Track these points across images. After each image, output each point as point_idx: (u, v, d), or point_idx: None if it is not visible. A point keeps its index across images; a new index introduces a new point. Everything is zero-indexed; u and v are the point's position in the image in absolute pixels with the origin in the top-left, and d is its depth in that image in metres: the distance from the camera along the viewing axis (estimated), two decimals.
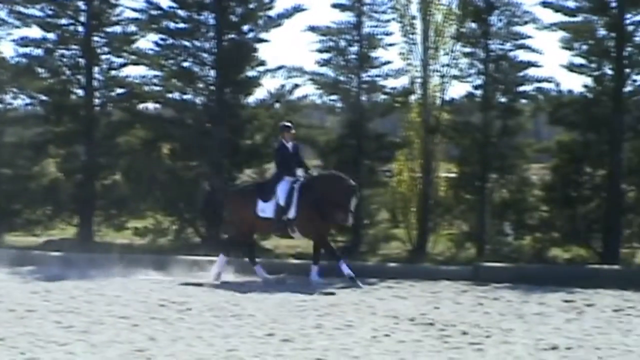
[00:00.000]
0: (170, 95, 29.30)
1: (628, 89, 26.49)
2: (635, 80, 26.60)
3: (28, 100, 29.95)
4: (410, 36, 27.02)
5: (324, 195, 20.53)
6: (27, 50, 29.21)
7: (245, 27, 29.56)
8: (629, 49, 26.36)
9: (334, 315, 18.21)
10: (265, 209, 20.88)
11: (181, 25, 28.40)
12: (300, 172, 20.80)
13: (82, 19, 29.24)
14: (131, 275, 23.13)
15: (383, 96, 28.61)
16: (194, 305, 17.77)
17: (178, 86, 28.77)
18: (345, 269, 20.19)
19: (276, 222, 20.79)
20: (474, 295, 20.95)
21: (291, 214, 20.66)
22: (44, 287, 21.14)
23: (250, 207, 21.06)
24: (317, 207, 20.50)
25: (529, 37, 27.74)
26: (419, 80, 27.32)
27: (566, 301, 19.71)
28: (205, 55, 28.50)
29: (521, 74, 27.82)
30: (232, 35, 29.71)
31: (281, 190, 20.63)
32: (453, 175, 28.52)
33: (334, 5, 28.21)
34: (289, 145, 20.86)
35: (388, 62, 28.41)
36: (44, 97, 29.25)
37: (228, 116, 28.95)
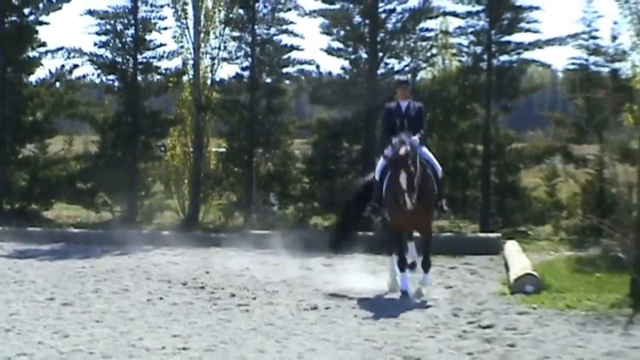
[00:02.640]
0: None
1: (381, 71, 27.80)
2: (387, 64, 28.00)
3: None
4: (183, 21, 27.93)
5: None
6: None
7: (27, 10, 29.69)
8: (382, 34, 27.89)
9: (112, 280, 18.62)
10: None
11: None
12: (407, 136, 15.10)
13: None
14: None
15: (158, 76, 29.43)
16: None
17: None
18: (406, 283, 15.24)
19: (373, 204, 15.95)
20: (241, 261, 21.55)
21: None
22: None
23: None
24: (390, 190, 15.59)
25: (292, 22, 29.24)
26: (190, 61, 28.36)
27: (325, 265, 20.44)
28: None
29: (285, 56, 28.78)
30: (14, 18, 29.97)
31: (379, 163, 15.99)
32: (223, 150, 29.49)
33: None
34: (403, 104, 15.65)
35: (162, 45, 29.35)
36: None
37: (10, 94, 28.98)
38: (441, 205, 15.67)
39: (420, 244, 15.94)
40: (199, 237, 25.53)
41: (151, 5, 29.07)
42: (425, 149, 15.55)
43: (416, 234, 16.59)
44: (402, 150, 14.53)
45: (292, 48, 29.61)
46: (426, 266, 15.30)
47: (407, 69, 28.64)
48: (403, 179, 14.23)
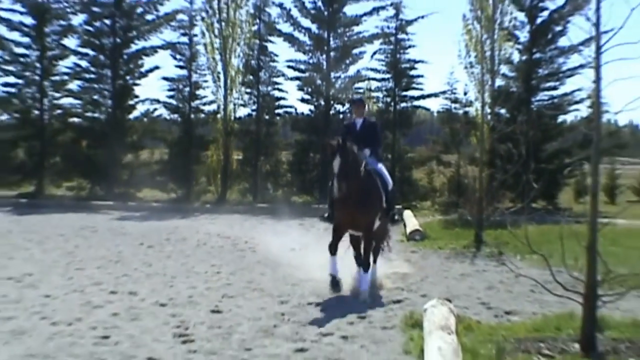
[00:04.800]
0: None
1: (332, 112, 33.87)
2: (336, 108, 34.07)
3: None
4: (217, 82, 32.95)
5: None
6: None
7: (128, 77, 35.21)
8: (332, 91, 33.48)
9: (176, 233, 21.70)
10: None
11: None
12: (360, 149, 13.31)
13: None
14: None
15: (202, 115, 35.06)
16: None
17: None
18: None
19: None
20: (251, 223, 25.07)
21: None
22: None
23: None
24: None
25: (280, 84, 34.64)
26: (222, 106, 32.86)
27: (299, 224, 23.88)
28: None
29: (277, 103, 34.79)
30: (120, 81, 34.65)
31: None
32: (240, 157, 34.12)
33: (177, 66, 34.65)
34: (358, 121, 13.91)
35: (205, 97, 34.74)
36: None
37: (119, 126, 34.13)
38: (393, 215, 13.92)
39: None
40: (227, 209, 29.30)
41: (199, 74, 34.23)
42: (380, 164, 13.70)
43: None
44: (335, 141, 12.51)
45: (281, 99, 34.87)
46: (364, 265, 13.16)
47: (347, 109, 33.37)
48: (336, 163, 12.23)
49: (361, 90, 34.16)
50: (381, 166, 13.86)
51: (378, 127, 14.23)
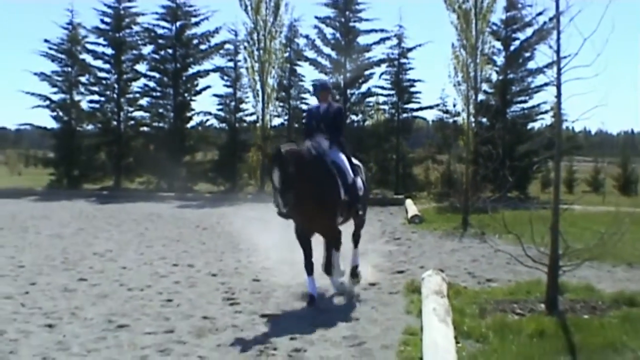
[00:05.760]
0: None
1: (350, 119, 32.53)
2: (352, 118, 33.40)
3: None
4: (257, 98, 32.94)
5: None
6: None
7: (186, 94, 35.36)
8: (348, 104, 32.93)
9: (225, 218, 21.82)
10: None
11: None
12: (321, 139, 10.49)
13: None
14: None
15: (245, 124, 35.13)
16: None
17: None
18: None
19: None
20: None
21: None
22: None
23: None
24: None
25: (307, 98, 34.04)
26: (260, 117, 33.02)
27: None
28: None
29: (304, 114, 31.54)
30: (180, 98, 34.90)
31: None
32: None
33: (225, 85, 34.75)
34: (323, 107, 10.74)
35: (247, 109, 35.08)
36: None
37: (179, 134, 34.41)
38: (356, 210, 10.81)
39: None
40: (264, 199, 24.24)
41: (242, 91, 34.64)
42: (340, 153, 10.50)
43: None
44: (284, 148, 9.63)
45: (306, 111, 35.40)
46: (328, 269, 10.62)
47: (360, 118, 34.13)
48: (276, 177, 9.45)
49: (371, 104, 34.82)
50: (342, 157, 10.56)
51: (342, 113, 10.94)
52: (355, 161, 10.82)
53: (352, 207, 10.53)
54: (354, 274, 11.04)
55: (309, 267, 10.07)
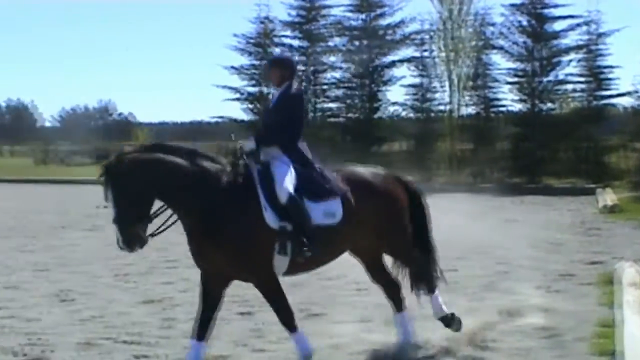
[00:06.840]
0: None
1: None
2: None
3: None
4: (448, 87, 33.34)
5: None
6: None
7: None
8: None
9: None
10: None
11: None
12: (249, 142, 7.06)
13: None
14: None
15: (436, 114, 35.48)
16: None
17: None
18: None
19: None
20: None
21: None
22: None
23: None
24: None
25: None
26: (451, 106, 34.17)
27: None
28: None
29: None
30: None
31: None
32: None
33: (416, 75, 35.07)
34: (275, 93, 7.47)
35: (437, 99, 35.05)
36: None
37: None
38: (301, 241, 6.78)
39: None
40: (456, 188, 27.44)
41: (433, 81, 34.78)
42: (279, 160, 6.95)
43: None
44: (128, 155, 6.49)
45: (495, 99, 35.04)
46: (286, 326, 7.01)
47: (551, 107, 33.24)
48: (109, 196, 6.37)
49: (560, 92, 34.14)
50: (281, 164, 6.97)
51: (297, 102, 7.28)
52: (332, 173, 7.22)
53: (294, 239, 6.77)
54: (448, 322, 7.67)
55: (197, 330, 6.90)
